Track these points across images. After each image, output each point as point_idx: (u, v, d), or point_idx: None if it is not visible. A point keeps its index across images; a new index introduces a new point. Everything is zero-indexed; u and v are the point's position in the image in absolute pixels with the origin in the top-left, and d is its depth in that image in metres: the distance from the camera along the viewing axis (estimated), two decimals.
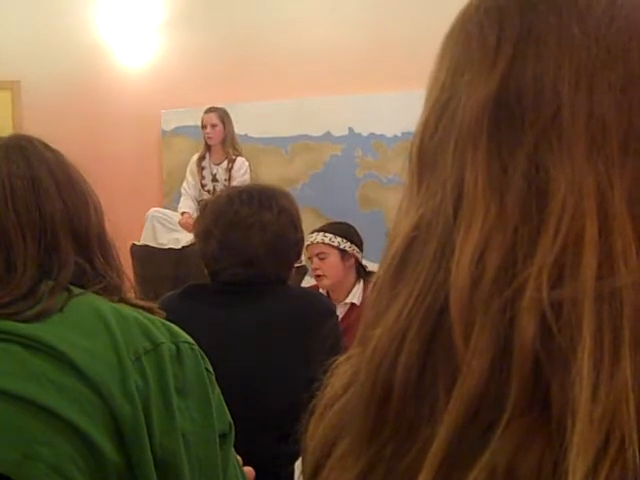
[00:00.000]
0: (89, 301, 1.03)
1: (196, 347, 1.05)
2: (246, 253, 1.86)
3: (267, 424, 1.73)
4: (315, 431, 0.52)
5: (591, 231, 0.41)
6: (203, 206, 2.03)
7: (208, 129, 5.16)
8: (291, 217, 1.93)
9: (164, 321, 1.06)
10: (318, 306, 1.96)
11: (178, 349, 1.02)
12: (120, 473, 0.93)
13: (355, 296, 3.08)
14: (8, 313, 0.98)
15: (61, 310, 0.99)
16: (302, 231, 1.99)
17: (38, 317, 0.98)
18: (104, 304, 1.03)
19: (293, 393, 1.67)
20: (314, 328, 1.85)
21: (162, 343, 1.00)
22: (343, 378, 0.52)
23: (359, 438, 0.47)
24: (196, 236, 2.00)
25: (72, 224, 1.07)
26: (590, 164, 0.43)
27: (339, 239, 3.09)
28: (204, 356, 1.06)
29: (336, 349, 1.91)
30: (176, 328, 1.05)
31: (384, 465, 0.46)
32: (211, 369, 1.07)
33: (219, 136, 5.18)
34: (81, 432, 0.91)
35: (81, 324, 0.98)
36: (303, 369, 1.72)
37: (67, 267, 1.05)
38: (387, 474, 0.45)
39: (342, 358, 0.53)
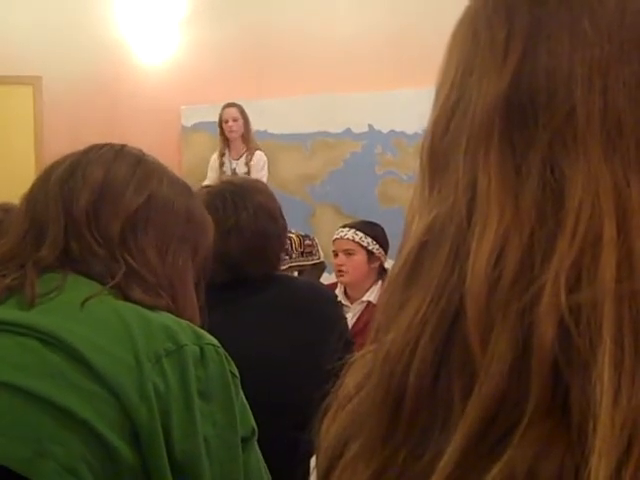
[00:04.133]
0: (110, 302, 1.02)
1: (221, 350, 1.03)
2: (228, 259, 1.83)
3: (276, 414, 1.72)
4: (328, 430, 0.52)
5: (609, 231, 0.40)
6: None
7: (230, 122, 5.25)
8: (268, 211, 1.91)
9: (191, 324, 1.04)
10: (323, 295, 1.96)
11: (202, 351, 1.00)
12: (135, 475, 0.92)
13: (372, 294, 3.08)
14: None
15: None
16: (284, 219, 1.97)
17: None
18: (127, 305, 1.01)
19: (301, 384, 1.67)
20: (322, 318, 1.85)
21: (185, 345, 0.98)
22: (357, 377, 0.51)
23: (371, 440, 0.46)
24: None
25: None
26: (606, 163, 0.42)
27: (369, 240, 3.09)
28: (229, 359, 1.04)
29: (346, 337, 1.91)
30: (202, 331, 1.03)
31: (396, 469, 0.45)
32: (236, 372, 1.05)
33: (241, 129, 5.26)
34: (96, 433, 0.90)
35: (101, 325, 0.98)
36: (313, 360, 1.71)
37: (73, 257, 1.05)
38: (399, 478, 0.45)
39: (357, 355, 0.53)
